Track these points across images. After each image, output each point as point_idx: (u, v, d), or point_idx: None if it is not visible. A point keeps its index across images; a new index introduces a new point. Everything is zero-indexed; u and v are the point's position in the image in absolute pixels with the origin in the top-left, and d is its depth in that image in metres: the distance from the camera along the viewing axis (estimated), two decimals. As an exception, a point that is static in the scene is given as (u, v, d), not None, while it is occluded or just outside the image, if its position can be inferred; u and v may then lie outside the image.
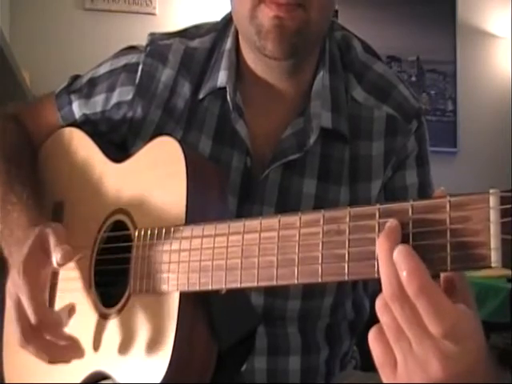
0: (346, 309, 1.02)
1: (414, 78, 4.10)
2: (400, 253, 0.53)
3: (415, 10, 4.12)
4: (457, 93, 4.15)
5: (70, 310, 0.81)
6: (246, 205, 0.94)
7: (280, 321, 0.96)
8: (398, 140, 0.96)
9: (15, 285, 0.81)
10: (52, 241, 0.81)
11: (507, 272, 2.56)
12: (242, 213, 0.93)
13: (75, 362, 0.85)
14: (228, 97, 0.94)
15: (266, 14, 0.85)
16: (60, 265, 0.79)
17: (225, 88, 0.94)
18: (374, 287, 0.97)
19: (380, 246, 0.54)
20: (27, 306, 0.78)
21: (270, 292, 0.93)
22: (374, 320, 0.58)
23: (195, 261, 0.72)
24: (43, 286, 0.82)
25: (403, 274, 0.53)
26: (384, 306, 0.55)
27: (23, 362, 0.95)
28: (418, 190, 0.98)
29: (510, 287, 2.71)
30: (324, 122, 0.93)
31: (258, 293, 0.93)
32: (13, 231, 0.89)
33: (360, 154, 0.96)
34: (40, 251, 0.81)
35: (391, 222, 0.55)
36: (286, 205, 0.94)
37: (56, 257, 0.79)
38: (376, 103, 0.97)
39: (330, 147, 0.95)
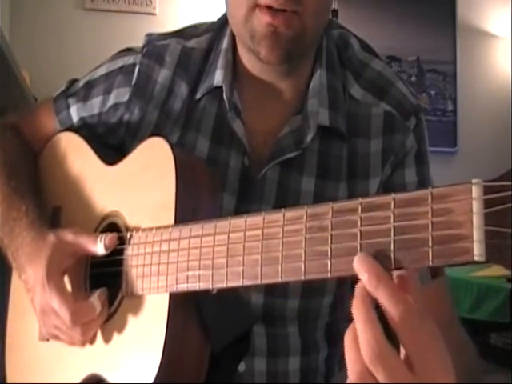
0: (346, 307, 1.01)
1: (413, 78, 4.10)
2: (357, 259, 0.54)
3: (415, 9, 4.11)
4: (457, 93, 4.15)
5: (100, 294, 0.82)
6: (245, 204, 0.93)
7: (280, 320, 0.95)
8: (397, 137, 0.95)
9: (44, 299, 0.83)
10: (84, 237, 0.85)
11: (507, 272, 2.56)
12: (240, 212, 0.92)
13: (71, 364, 0.86)
14: (224, 96, 0.93)
15: (261, 21, 0.84)
16: (108, 248, 0.82)
17: (221, 87, 0.94)
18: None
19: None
20: (62, 314, 0.81)
21: (269, 291, 0.92)
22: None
23: (183, 261, 0.72)
24: (74, 283, 0.87)
25: (363, 276, 0.53)
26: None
27: (25, 363, 0.96)
28: (417, 189, 0.97)
29: (509, 287, 2.70)
30: (321, 120, 0.93)
31: (258, 292, 0.92)
32: (18, 249, 0.90)
33: (358, 152, 0.95)
34: (59, 260, 0.84)
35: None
36: (284, 203, 0.92)
37: (104, 242, 0.82)
38: (374, 100, 0.96)
39: (328, 145, 0.94)
